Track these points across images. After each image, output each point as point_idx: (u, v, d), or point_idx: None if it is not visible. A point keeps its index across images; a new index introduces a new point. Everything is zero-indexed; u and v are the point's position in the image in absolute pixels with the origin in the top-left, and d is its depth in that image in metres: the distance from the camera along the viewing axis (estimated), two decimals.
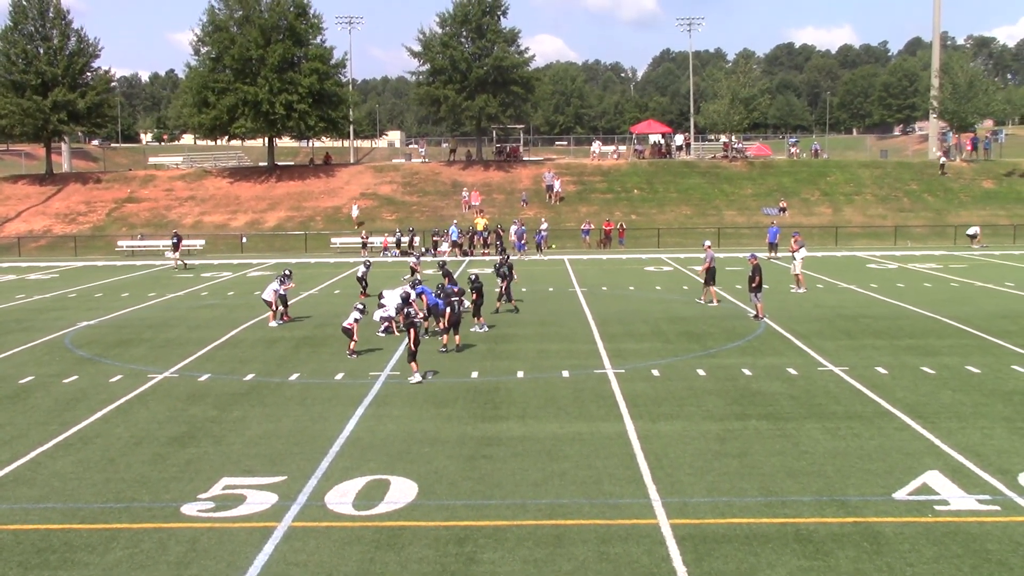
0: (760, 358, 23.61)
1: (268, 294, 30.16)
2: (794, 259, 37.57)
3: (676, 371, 22.19)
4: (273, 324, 29.82)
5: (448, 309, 24.97)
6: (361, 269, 36.03)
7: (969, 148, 78.69)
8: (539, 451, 16.09)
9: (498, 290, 32.86)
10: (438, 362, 23.62)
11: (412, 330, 21.58)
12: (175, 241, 53.14)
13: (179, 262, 52.26)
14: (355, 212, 65.15)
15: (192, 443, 16.88)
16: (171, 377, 22.51)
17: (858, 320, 29.44)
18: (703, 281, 33.50)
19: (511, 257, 40.25)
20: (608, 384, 20.93)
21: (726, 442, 16.45)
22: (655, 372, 22.07)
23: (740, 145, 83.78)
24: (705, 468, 15.11)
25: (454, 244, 56.46)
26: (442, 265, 32.61)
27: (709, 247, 34.58)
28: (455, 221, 59.59)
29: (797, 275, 37.17)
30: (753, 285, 29.98)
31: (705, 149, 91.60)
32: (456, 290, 26.14)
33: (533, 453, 15.99)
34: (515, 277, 34.29)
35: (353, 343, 24.29)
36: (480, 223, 59.97)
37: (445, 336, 25.11)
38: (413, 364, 21.27)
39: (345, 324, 24.37)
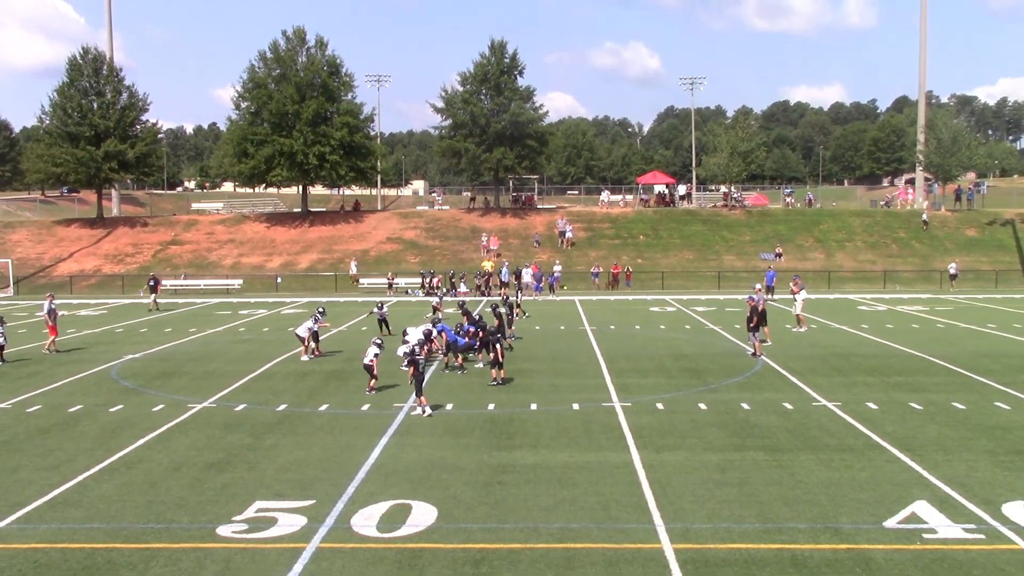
0: (758, 393, 23.48)
1: (303, 330, 30.21)
2: (795, 300, 37.40)
3: (679, 405, 22.09)
4: (305, 358, 29.84)
5: (497, 344, 24.93)
6: (376, 311, 35.74)
7: (955, 198, 78.57)
8: (551, 478, 16.02)
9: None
10: (456, 394, 23.57)
11: (412, 367, 21.54)
12: (151, 284, 49.93)
13: (154, 305, 49.03)
14: (353, 269, 63.41)
15: (228, 469, 16.88)
16: (209, 407, 22.55)
17: (850, 358, 29.27)
18: (752, 326, 30.16)
19: (510, 298, 40.29)
20: (615, 416, 20.85)
21: (726, 472, 16.34)
22: (659, 405, 21.97)
23: (739, 195, 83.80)
24: (706, 496, 15.00)
25: (503, 284, 56.15)
26: (461, 305, 32.67)
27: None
28: (505, 263, 59.11)
29: (798, 315, 37.03)
30: (751, 325, 29.86)
31: (706, 198, 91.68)
32: (472, 331, 26.27)
33: (545, 480, 15.92)
34: (513, 316, 34.50)
35: (373, 380, 24.08)
36: (487, 265, 60.13)
37: (494, 370, 25.06)
38: (420, 398, 21.24)
39: (365, 361, 24.23)
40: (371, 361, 24.01)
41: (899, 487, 15.45)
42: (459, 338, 28.30)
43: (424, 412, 21.05)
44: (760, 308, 30.95)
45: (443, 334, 28.12)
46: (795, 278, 39.11)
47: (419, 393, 21.26)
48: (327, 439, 19.04)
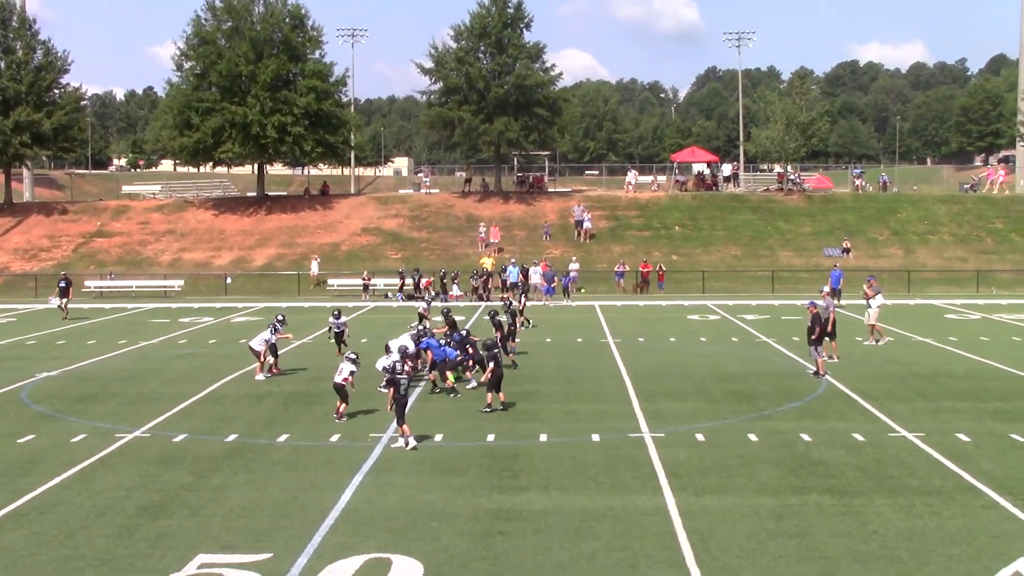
0: (821, 422, 23.41)
1: (257, 343, 30.16)
2: (869, 307, 37.27)
3: (724, 436, 22.01)
4: (260, 377, 29.80)
5: (492, 364, 24.84)
6: (332, 323, 34.80)
7: None
8: (565, 528, 15.94)
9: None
10: (447, 422, 23.50)
11: (392, 389, 21.48)
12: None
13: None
14: (315, 268, 63.67)
15: (164, 514, 16.81)
16: (142, 437, 22.48)
17: (935, 379, 29.18)
18: (814, 338, 30.09)
19: (513, 303, 40.15)
20: (645, 450, 20.77)
21: (782, 520, 16.25)
22: (700, 437, 21.90)
23: (797, 176, 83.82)
24: (758, 550, 14.92)
25: (511, 287, 55.41)
26: (446, 313, 32.56)
27: (825, 294, 34.14)
28: (512, 260, 59.01)
29: (872, 325, 36.93)
30: (813, 337, 29.76)
31: (756, 181, 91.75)
32: (459, 339, 26.36)
33: (558, 530, 15.84)
34: (516, 326, 34.44)
35: (343, 405, 24.04)
36: (487, 263, 60.05)
37: (490, 394, 24.96)
38: (403, 427, 21.14)
39: (337, 380, 24.11)
40: (345, 380, 23.91)
41: (999, 540, 15.35)
42: (449, 350, 28.24)
43: (407, 444, 20.97)
44: (825, 317, 30.82)
45: (428, 351, 28.11)
46: (869, 279, 38.94)
47: (401, 421, 21.19)
48: (287, 477, 18.97)
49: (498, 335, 30.38)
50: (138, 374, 31.42)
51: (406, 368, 22.44)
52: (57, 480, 18.95)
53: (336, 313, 35.30)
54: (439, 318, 36.08)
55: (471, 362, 28.60)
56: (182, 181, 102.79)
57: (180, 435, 22.60)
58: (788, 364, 32.32)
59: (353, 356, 24.63)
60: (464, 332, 29.53)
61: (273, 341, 30.39)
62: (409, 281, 58.35)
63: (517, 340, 34.90)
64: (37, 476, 19.23)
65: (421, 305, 39.44)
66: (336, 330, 34.58)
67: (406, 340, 28.35)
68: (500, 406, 24.89)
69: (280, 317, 31.17)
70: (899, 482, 18.36)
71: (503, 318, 33.77)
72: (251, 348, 30.47)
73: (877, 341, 36.60)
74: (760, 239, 69.11)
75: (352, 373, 24.14)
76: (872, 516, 16.44)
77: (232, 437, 22.36)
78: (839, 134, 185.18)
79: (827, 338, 31.32)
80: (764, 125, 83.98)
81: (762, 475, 18.84)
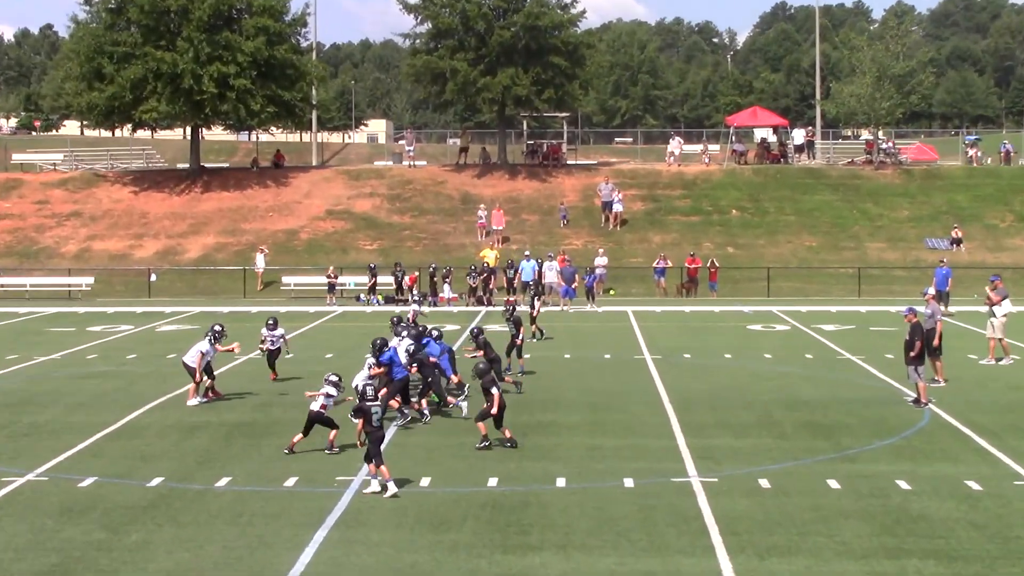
0: (924, 464, 23.35)
1: (191, 357, 30.15)
2: (993, 316, 37.06)
3: (796, 482, 21.96)
4: (193, 402, 29.79)
5: (496, 392, 24.81)
6: (267, 335, 33.61)
7: None
8: None
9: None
10: (435, 461, 23.46)
11: (362, 418, 21.51)
12: None
13: None
14: (260, 263, 63.40)
15: None
16: (37, 481, 22.46)
17: None
18: (914, 355, 29.77)
19: (518, 309, 40.03)
20: (693, 499, 20.74)
21: None
22: (764, 483, 21.86)
23: (891, 145, 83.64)
24: None
25: (526, 286, 55.25)
26: (476, 335, 31.40)
27: (929, 297, 33.91)
28: (525, 252, 58.78)
29: (995, 340, 36.75)
30: (913, 354, 29.71)
31: (838, 151, 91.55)
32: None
33: None
34: (520, 338, 34.39)
35: (333, 432, 24.18)
36: (490, 256, 59.92)
37: (482, 424, 24.85)
38: (371, 466, 21.10)
39: (314, 408, 24.16)
40: (322, 407, 24.03)
41: None
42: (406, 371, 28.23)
43: (385, 490, 20.94)
44: (928, 327, 30.70)
45: (385, 367, 27.70)
46: (993, 279, 38.47)
47: (377, 460, 21.12)
48: (229, 533, 18.94)
49: (481, 353, 30.38)
50: (33, 398, 31.41)
51: (362, 392, 22.54)
52: None
53: (271, 322, 33.93)
54: (464, 336, 35.91)
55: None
56: (92, 149, 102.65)
57: (87, 479, 22.54)
58: (879, 389, 32.25)
59: (334, 378, 24.67)
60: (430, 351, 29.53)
61: (211, 356, 30.38)
62: (389, 280, 58.31)
63: (525, 356, 34.77)
64: None
65: (411, 308, 39.29)
66: (270, 346, 33.52)
67: (400, 347, 28.52)
68: (500, 441, 24.78)
69: (218, 328, 31.07)
70: None
71: (506, 328, 33.72)
72: (184, 364, 30.48)
73: (999, 360, 36.46)
74: (843, 226, 69.00)
75: (330, 398, 24.22)
76: None
77: (156, 481, 22.30)
78: (947, 90, 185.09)
79: (930, 355, 31.20)
80: (848, 78, 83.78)
81: (845, 533, 18.77)
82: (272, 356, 33.62)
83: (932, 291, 35.38)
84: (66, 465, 23.71)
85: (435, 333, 30.68)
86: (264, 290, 62.28)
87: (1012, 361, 36.48)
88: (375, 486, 21.06)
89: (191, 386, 30.29)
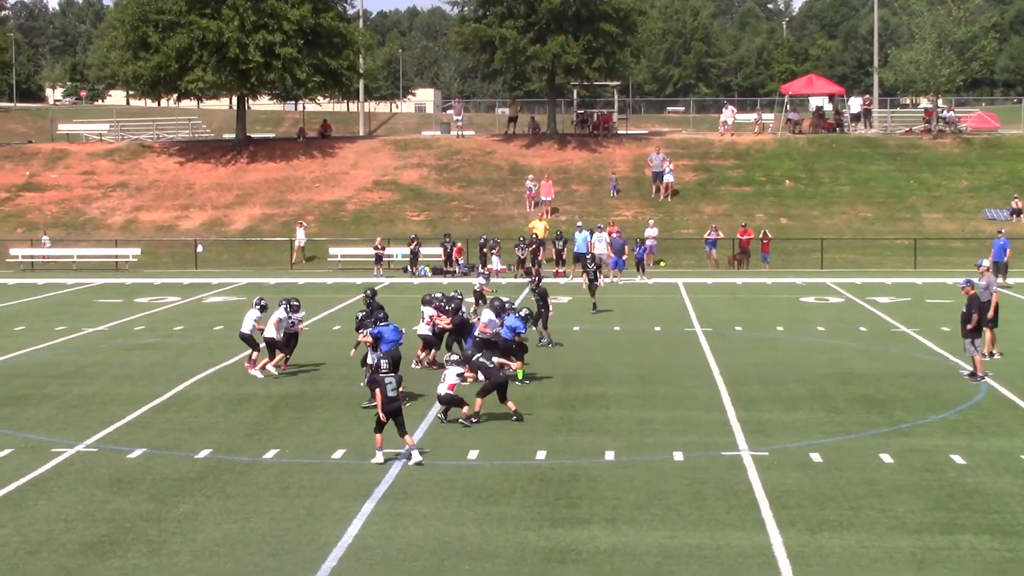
0: (979, 439, 23.27)
1: (249, 326, 30.24)
2: None
3: (848, 456, 21.96)
4: (263, 372, 29.95)
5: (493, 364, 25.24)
6: (284, 317, 30.43)
7: None
8: (638, 573, 15.99)
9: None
10: (483, 433, 23.59)
11: (376, 389, 21.63)
12: None
13: None
14: (301, 238, 62.92)
15: (116, 552, 16.98)
16: (87, 453, 22.73)
17: None
18: (971, 328, 29.75)
19: (542, 282, 40.10)
20: (743, 473, 20.79)
21: (926, 567, 16.21)
22: (815, 457, 21.86)
23: (950, 113, 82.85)
24: None
25: (580, 258, 55.29)
26: (370, 295, 30.60)
27: (985, 269, 33.85)
28: (578, 223, 58.21)
29: None
30: (970, 327, 29.57)
31: (896, 119, 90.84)
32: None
33: (629, 575, 15.91)
34: (551, 310, 34.62)
35: (466, 408, 24.69)
36: (539, 227, 59.82)
37: (479, 400, 24.99)
38: (378, 436, 21.43)
39: (442, 391, 24.70)
40: (451, 387, 24.63)
41: None
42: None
43: (411, 457, 21.32)
44: (984, 300, 30.55)
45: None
46: None
47: (399, 430, 21.38)
48: (276, 505, 19.14)
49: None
50: (81, 370, 31.76)
51: (374, 365, 22.94)
52: None
53: (295, 303, 30.78)
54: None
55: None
56: (137, 119, 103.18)
57: (136, 450, 22.81)
58: (935, 362, 32.11)
59: (456, 357, 25.51)
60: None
61: (295, 325, 30.34)
62: (435, 250, 58.40)
63: (574, 328, 34.87)
64: None
65: (478, 281, 39.11)
66: (288, 329, 30.71)
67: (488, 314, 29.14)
68: (514, 415, 25.02)
69: (295, 301, 30.43)
70: None
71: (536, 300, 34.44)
72: (266, 340, 30.06)
73: None
74: (899, 197, 68.50)
75: (460, 376, 24.80)
76: None
77: (204, 453, 22.55)
78: (1011, 56, 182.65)
79: (987, 328, 31.07)
80: (907, 45, 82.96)
81: (899, 507, 18.77)
82: (290, 341, 30.80)
83: (987, 263, 35.16)
84: (115, 437, 23.98)
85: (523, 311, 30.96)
86: (306, 264, 62.21)
87: None
88: (379, 457, 21.41)
89: (251, 357, 30.36)
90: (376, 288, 33.86)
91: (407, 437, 21.43)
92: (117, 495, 19.76)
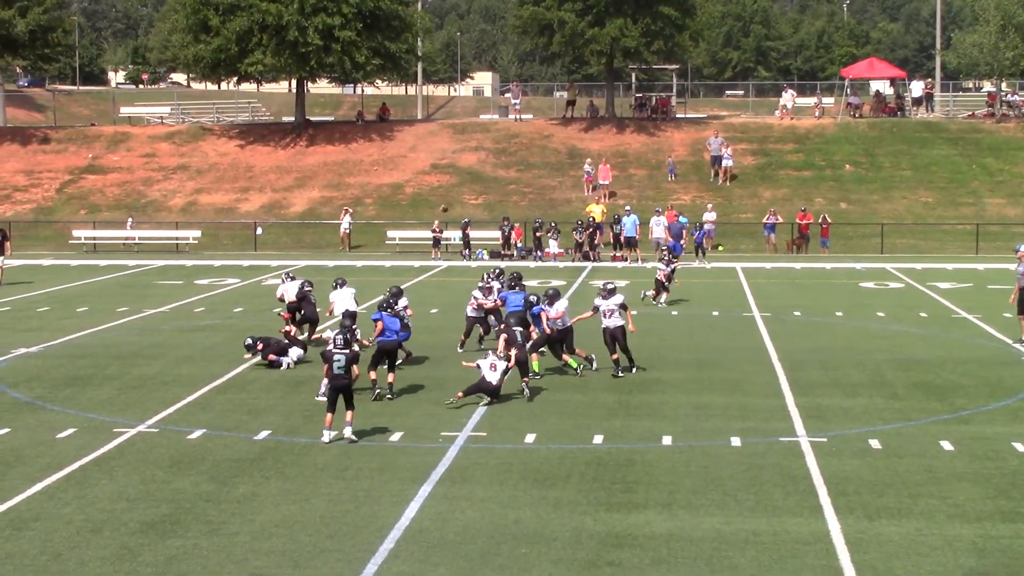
0: None
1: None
2: None
3: (908, 443, 21.85)
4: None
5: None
6: (285, 289, 32.18)
7: None
8: (694, 558, 16.00)
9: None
10: (539, 418, 23.63)
11: (325, 366, 22.17)
12: None
13: None
14: (345, 225, 62.41)
15: (176, 532, 17.15)
16: (148, 433, 22.95)
17: None
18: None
19: (669, 264, 40.10)
20: (801, 459, 20.72)
21: (986, 555, 16.13)
22: (874, 443, 21.77)
23: (1015, 97, 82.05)
24: None
25: (628, 242, 55.25)
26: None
27: (1023, 255, 33.74)
28: (627, 207, 58.22)
29: None
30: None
31: (958, 103, 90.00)
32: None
33: (685, 561, 15.90)
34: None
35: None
36: (596, 211, 59.77)
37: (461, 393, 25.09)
38: (328, 416, 21.95)
39: (494, 380, 25.06)
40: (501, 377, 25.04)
41: None
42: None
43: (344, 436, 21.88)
44: (1022, 286, 30.52)
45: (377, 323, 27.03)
46: None
47: (330, 407, 21.98)
48: (335, 487, 19.27)
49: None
50: (142, 351, 32.04)
51: (358, 341, 23.25)
52: (39, 487, 19.38)
53: (339, 281, 31.80)
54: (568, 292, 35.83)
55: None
56: (198, 102, 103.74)
57: (196, 431, 23.02)
58: (997, 348, 31.89)
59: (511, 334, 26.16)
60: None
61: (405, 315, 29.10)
62: (494, 234, 58.50)
63: (632, 312, 34.83)
64: (13, 481, 19.70)
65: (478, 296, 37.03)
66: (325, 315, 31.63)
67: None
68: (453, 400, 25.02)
69: (396, 289, 29.55)
70: None
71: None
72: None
73: None
74: (961, 182, 67.96)
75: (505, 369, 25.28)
76: None
77: (263, 434, 22.73)
78: None
79: (1020, 314, 31.55)
80: (971, 27, 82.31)
81: (959, 495, 18.67)
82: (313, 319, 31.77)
83: None
84: (175, 417, 24.20)
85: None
86: (353, 250, 62.00)
87: None
88: (326, 436, 21.90)
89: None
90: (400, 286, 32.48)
91: (349, 413, 21.92)
92: (177, 475, 19.95)
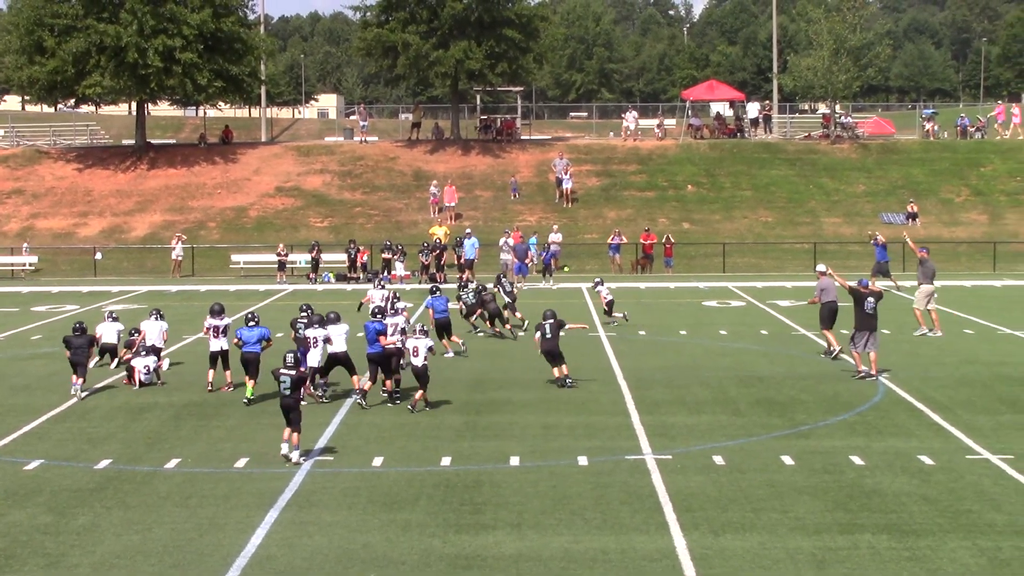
0: (877, 439, 23.58)
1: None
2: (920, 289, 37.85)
3: (750, 458, 22.16)
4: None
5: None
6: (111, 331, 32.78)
7: None
8: None
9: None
10: (387, 440, 23.55)
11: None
12: None
13: None
14: (178, 250, 59.93)
15: (12, 566, 16.79)
16: None
17: None
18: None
19: (486, 289, 40.23)
20: (647, 477, 20.90)
21: (826, 567, 16.40)
22: (718, 459, 22.04)
23: (848, 119, 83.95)
24: None
25: (467, 264, 55.61)
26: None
27: (824, 273, 34.51)
28: (467, 231, 58.51)
29: (919, 310, 37.37)
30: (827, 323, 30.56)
31: (795, 125, 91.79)
32: None
33: None
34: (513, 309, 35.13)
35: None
36: (440, 232, 59.88)
37: (418, 395, 25.63)
38: (288, 432, 22.07)
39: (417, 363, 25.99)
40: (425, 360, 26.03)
41: None
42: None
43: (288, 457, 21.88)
44: (827, 299, 33.12)
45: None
46: (922, 250, 39.47)
47: (291, 425, 21.89)
48: (178, 515, 18.98)
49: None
50: None
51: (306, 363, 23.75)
52: None
53: (155, 314, 32.18)
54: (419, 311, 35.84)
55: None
56: (34, 125, 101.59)
57: (33, 461, 22.54)
58: (834, 365, 32.46)
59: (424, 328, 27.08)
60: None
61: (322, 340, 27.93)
62: (340, 256, 58.26)
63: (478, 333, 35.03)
64: None
65: (375, 291, 37.27)
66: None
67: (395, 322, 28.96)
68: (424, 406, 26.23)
69: (309, 307, 29.96)
70: (980, 518, 18.51)
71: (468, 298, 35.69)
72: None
73: (935, 332, 37.06)
74: (799, 201, 69.31)
75: (430, 349, 26.25)
76: (944, 562, 16.58)
77: (104, 463, 22.31)
78: (904, 63, 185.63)
79: (825, 328, 33.27)
80: (805, 51, 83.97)
81: (799, 508, 18.99)
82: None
83: (822, 267, 35.76)
84: (11, 448, 23.67)
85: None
86: (184, 277, 60.12)
87: (941, 333, 37.01)
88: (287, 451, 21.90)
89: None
90: (310, 303, 32.29)
91: (294, 436, 21.82)
92: (13, 507, 19.50)
